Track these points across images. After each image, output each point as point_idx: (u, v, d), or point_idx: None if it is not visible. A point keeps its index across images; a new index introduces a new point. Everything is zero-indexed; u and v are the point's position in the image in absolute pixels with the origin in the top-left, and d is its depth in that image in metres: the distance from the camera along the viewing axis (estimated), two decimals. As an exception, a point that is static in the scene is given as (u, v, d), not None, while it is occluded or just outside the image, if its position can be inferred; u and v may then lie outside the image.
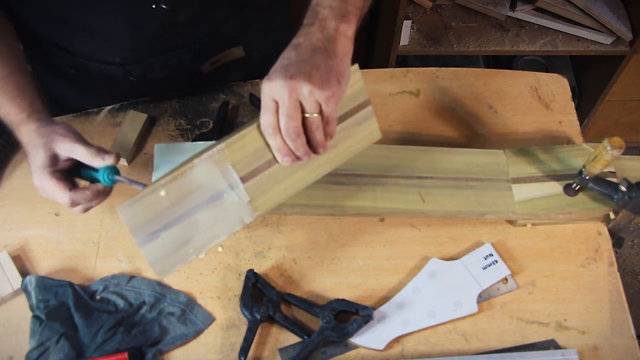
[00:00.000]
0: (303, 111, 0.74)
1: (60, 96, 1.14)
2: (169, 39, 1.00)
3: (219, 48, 1.08)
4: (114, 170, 0.82)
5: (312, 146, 0.77)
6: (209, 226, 0.77)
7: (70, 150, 0.82)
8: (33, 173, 0.82)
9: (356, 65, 0.80)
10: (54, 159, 0.82)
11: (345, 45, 0.77)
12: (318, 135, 0.76)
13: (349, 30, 0.78)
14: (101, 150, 0.82)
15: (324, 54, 0.75)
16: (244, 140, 0.77)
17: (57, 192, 0.82)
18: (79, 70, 1.04)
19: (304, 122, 0.75)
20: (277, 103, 0.74)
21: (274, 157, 0.78)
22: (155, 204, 0.74)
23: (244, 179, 0.77)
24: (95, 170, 0.83)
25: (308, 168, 0.81)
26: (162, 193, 0.75)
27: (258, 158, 0.78)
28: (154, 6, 0.93)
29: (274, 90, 0.73)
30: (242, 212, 0.78)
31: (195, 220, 0.77)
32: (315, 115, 0.74)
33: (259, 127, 0.77)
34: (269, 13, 1.12)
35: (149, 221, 0.74)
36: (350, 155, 0.83)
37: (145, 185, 0.77)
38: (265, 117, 0.75)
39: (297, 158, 0.77)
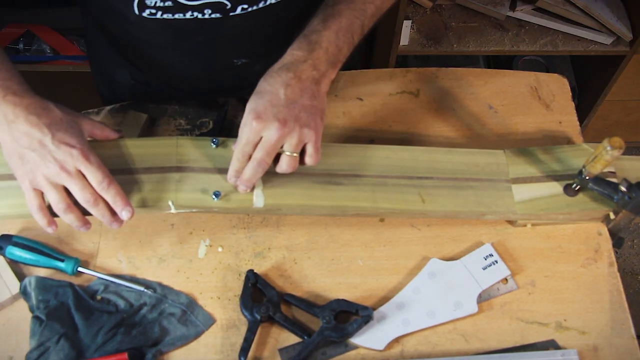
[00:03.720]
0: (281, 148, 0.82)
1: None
2: (239, 82, 1.04)
3: None
4: (78, 262, 0.91)
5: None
6: None
7: (92, 126, 0.86)
8: (46, 131, 0.79)
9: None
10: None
11: (328, 85, 0.84)
12: (289, 170, 0.83)
13: (334, 74, 0.84)
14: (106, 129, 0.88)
15: (311, 95, 0.81)
16: None
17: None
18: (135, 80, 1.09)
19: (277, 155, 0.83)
20: (261, 138, 0.81)
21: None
22: None
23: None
24: (61, 260, 0.90)
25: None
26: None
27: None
28: (235, 60, 0.98)
29: (264, 130, 0.80)
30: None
31: None
32: (295, 154, 0.82)
33: None
34: None
35: None
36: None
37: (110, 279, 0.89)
38: (247, 148, 0.81)
39: (247, 188, 0.86)
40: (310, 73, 0.81)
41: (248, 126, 0.80)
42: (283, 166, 0.83)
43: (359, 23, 0.84)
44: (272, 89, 0.80)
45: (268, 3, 0.87)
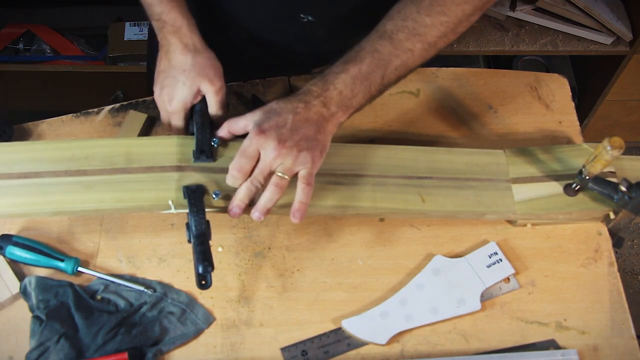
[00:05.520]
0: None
1: None
2: (304, 44, 1.05)
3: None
4: (79, 262, 0.91)
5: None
6: None
7: (206, 93, 0.90)
8: (167, 97, 0.90)
9: None
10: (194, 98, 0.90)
11: (335, 126, 0.86)
12: (277, 191, 0.82)
13: (344, 118, 0.86)
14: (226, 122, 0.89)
15: (316, 128, 0.83)
16: None
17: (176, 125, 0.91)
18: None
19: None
20: (259, 154, 0.82)
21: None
22: None
23: None
24: (61, 260, 0.91)
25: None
26: None
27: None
28: (302, 16, 0.98)
29: (264, 146, 0.81)
30: None
31: None
32: (286, 177, 0.82)
33: None
34: None
35: None
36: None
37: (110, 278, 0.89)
38: (243, 160, 0.82)
39: (239, 209, 0.84)
40: (319, 109, 0.82)
41: (249, 140, 0.82)
42: (270, 186, 0.82)
43: (379, 74, 0.84)
44: (280, 112, 0.82)
45: None
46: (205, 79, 0.89)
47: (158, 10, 0.91)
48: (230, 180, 0.83)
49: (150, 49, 1.19)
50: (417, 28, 0.84)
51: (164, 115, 0.94)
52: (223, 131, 0.89)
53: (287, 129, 0.81)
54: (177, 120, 0.93)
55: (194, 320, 0.89)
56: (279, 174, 0.82)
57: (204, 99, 0.92)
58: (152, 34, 1.16)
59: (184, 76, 0.89)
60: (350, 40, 0.90)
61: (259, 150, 0.82)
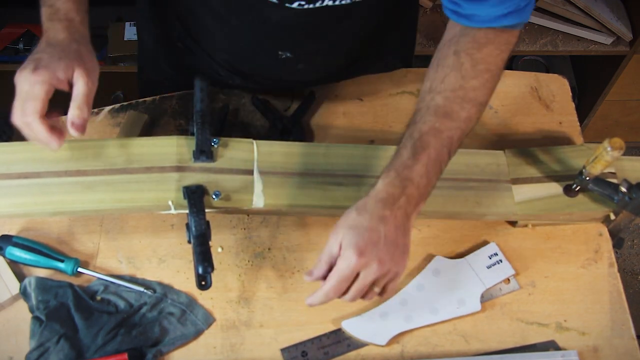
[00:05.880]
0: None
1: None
2: (284, 76, 1.05)
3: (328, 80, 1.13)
4: (78, 263, 0.91)
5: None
6: None
7: (75, 80, 0.80)
8: (33, 67, 0.78)
9: None
10: (66, 78, 0.80)
11: (415, 219, 0.82)
12: (366, 297, 0.80)
13: (422, 207, 0.82)
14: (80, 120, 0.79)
15: (403, 232, 0.79)
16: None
17: (32, 99, 0.77)
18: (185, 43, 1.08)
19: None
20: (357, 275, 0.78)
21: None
22: None
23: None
24: (61, 260, 0.91)
25: None
26: None
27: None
28: (280, 53, 0.97)
29: (365, 268, 0.76)
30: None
31: None
32: (377, 290, 0.79)
33: None
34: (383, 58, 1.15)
35: None
36: None
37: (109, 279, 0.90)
38: (342, 284, 0.77)
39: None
40: (404, 211, 0.80)
41: (348, 261, 0.76)
42: (368, 297, 0.81)
43: (446, 151, 0.83)
44: (370, 225, 0.78)
45: (325, 4, 0.86)
46: (82, 66, 0.80)
47: None
48: (321, 298, 0.79)
49: (141, 49, 1.19)
50: (467, 94, 0.82)
51: (22, 92, 0.79)
52: (321, 269, 0.80)
53: (383, 245, 0.77)
54: (40, 94, 0.78)
55: (194, 321, 0.89)
56: (376, 290, 0.80)
57: (204, 99, 0.91)
58: (141, 30, 1.17)
59: (63, 53, 0.80)
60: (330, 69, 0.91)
61: (358, 271, 0.77)
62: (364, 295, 0.79)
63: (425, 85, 0.85)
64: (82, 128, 0.79)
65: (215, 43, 1.04)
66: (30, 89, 0.78)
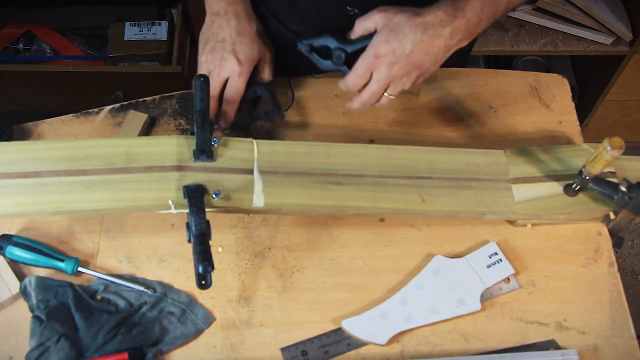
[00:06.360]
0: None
1: None
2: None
3: None
4: (79, 262, 0.92)
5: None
6: None
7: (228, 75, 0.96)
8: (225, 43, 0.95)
9: None
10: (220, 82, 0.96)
11: (451, 52, 0.87)
12: (382, 104, 0.92)
13: (465, 44, 0.87)
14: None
15: (434, 60, 0.86)
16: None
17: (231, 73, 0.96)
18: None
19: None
20: (371, 73, 0.88)
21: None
22: None
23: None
24: (61, 260, 0.91)
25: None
26: None
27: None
28: (348, 8, 0.98)
29: (377, 70, 0.87)
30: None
31: None
32: (393, 97, 0.91)
33: None
34: None
35: None
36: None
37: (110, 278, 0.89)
38: (356, 79, 0.89)
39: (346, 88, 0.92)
40: (444, 41, 0.83)
41: (364, 59, 0.87)
42: (382, 102, 0.92)
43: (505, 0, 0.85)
44: (402, 39, 0.84)
45: None
46: (234, 60, 0.95)
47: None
48: (344, 88, 0.91)
49: None
50: None
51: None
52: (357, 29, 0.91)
53: (403, 58, 0.84)
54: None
55: (194, 320, 0.89)
56: (386, 95, 0.90)
57: (204, 98, 0.91)
58: None
59: (211, 52, 0.96)
60: None
61: (372, 71, 0.87)
62: (378, 99, 0.91)
63: None
64: (227, 124, 1.00)
65: (275, 4, 1.05)
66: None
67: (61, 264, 0.91)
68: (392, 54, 0.84)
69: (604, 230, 0.97)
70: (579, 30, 1.79)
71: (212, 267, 0.79)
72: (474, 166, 0.96)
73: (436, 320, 0.89)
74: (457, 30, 0.82)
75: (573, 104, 1.11)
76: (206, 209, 0.84)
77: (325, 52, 0.96)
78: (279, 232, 0.97)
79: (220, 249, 0.95)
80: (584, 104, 2.05)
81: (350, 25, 0.99)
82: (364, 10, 0.96)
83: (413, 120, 1.08)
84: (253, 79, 1.02)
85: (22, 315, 0.89)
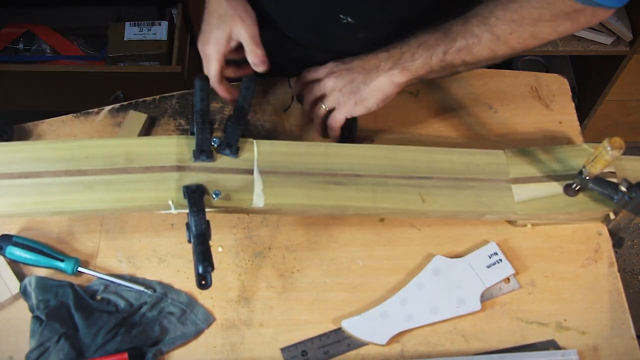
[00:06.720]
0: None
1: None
2: (342, 46, 1.07)
3: None
4: (79, 262, 0.92)
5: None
6: None
7: (239, 35, 0.95)
8: (207, 38, 0.95)
9: None
10: (228, 39, 0.95)
11: (390, 84, 0.92)
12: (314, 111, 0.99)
13: (400, 79, 0.92)
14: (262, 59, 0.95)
15: (364, 77, 0.93)
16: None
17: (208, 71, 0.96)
18: None
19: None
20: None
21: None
22: None
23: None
24: (61, 260, 0.91)
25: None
26: None
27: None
28: (341, 17, 0.99)
29: (322, 76, 0.97)
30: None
31: None
32: (323, 108, 0.97)
33: None
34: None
35: None
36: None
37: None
38: (306, 75, 1.00)
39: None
40: (378, 62, 0.92)
41: (316, 68, 0.99)
42: (318, 112, 0.99)
43: (442, 48, 0.89)
44: (354, 58, 0.95)
45: None
46: (237, 19, 0.94)
47: None
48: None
49: None
50: (489, 18, 0.86)
51: (204, 65, 0.98)
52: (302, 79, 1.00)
53: (344, 68, 0.94)
54: (212, 67, 0.96)
55: (194, 321, 0.89)
56: (322, 107, 0.97)
57: (204, 99, 0.91)
58: None
59: (218, 20, 0.95)
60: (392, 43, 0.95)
61: (321, 79, 0.97)
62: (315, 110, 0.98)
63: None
64: (264, 63, 0.96)
65: (268, 10, 1.05)
66: (205, 63, 0.97)
67: (61, 264, 0.91)
68: (343, 66, 0.94)
69: (604, 230, 0.97)
70: (579, 30, 1.78)
71: (212, 267, 0.79)
72: (474, 166, 0.96)
73: (436, 321, 0.89)
74: (390, 57, 0.91)
75: (573, 104, 1.11)
76: (206, 209, 0.84)
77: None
78: (279, 232, 0.97)
79: (220, 249, 0.95)
80: (584, 104, 2.05)
81: (342, 33, 1.00)
82: (357, 19, 0.97)
83: (413, 120, 1.08)
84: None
85: (22, 315, 0.89)
